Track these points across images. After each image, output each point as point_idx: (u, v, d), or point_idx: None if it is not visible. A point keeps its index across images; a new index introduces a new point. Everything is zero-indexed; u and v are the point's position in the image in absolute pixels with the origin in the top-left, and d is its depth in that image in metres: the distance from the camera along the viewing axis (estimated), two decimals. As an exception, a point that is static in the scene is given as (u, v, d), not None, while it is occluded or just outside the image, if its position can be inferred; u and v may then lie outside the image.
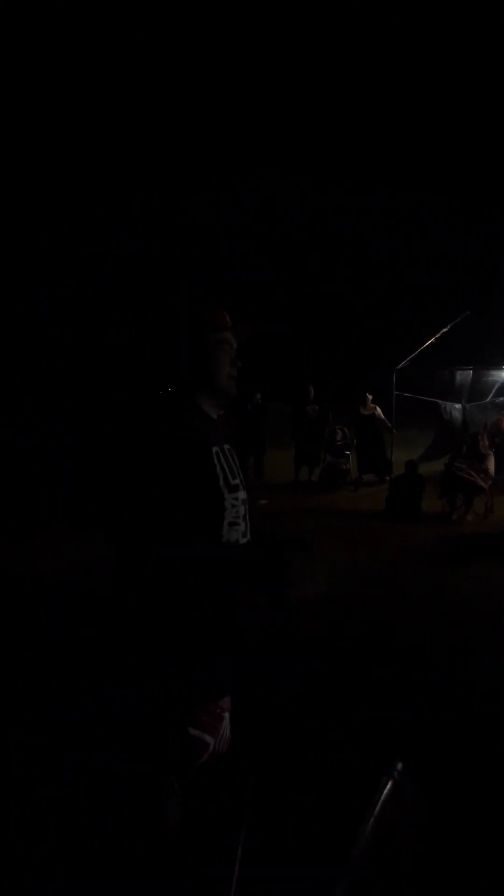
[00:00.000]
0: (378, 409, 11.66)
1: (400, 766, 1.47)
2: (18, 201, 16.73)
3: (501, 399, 14.01)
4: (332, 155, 22.90)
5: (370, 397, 11.62)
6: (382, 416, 11.62)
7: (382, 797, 1.40)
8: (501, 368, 13.60)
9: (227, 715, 1.67)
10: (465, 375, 13.80)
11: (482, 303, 13.24)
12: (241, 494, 1.73)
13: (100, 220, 18.98)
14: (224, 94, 22.90)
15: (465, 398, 13.74)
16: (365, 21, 23.65)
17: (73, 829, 2.31)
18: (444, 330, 12.65)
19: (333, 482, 11.48)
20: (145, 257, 19.47)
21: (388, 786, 1.42)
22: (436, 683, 3.83)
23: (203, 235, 21.95)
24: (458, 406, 13.55)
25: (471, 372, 13.77)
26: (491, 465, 9.71)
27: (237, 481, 1.73)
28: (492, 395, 14.05)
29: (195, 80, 24.09)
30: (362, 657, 4.26)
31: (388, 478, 10.69)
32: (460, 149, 23.07)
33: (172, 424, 1.64)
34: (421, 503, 9.18)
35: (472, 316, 12.96)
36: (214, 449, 1.67)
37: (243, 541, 1.71)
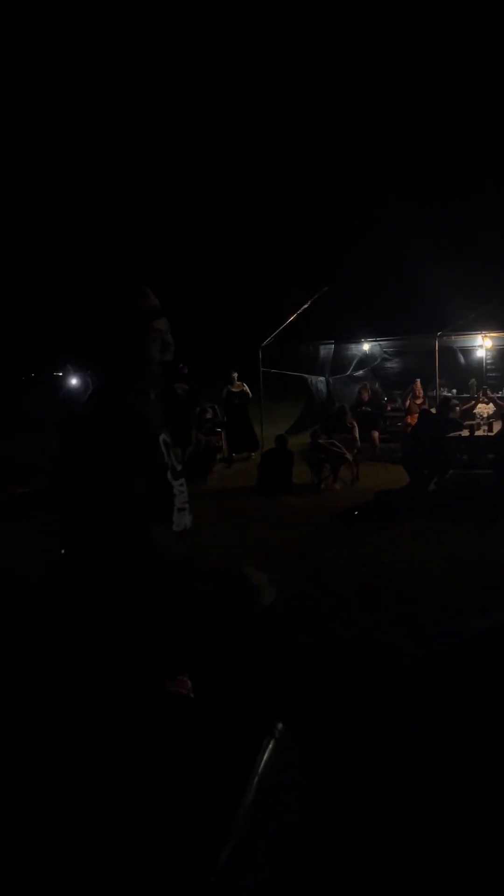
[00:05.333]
0: (245, 386, 11.83)
1: (280, 726, 1.53)
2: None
3: (360, 372, 14.67)
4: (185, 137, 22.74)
5: (236, 375, 11.77)
6: (250, 394, 11.82)
7: (266, 756, 1.47)
8: (360, 342, 14.23)
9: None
10: (327, 349, 14.30)
11: (339, 278, 13.70)
12: (183, 479, 1.74)
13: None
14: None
15: (328, 372, 14.25)
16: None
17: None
18: (305, 306, 13.02)
19: (206, 460, 11.57)
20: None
21: (271, 745, 1.49)
22: (316, 648, 4.03)
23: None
24: (322, 379, 14.02)
25: (333, 346, 14.29)
26: (356, 435, 10.19)
27: (180, 467, 1.73)
28: (351, 368, 14.68)
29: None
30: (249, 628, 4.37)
31: (252, 454, 10.97)
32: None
33: (127, 412, 1.61)
34: (291, 476, 9.49)
35: (329, 291, 13.43)
36: (161, 437, 1.66)
37: (190, 526, 1.73)
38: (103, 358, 1.70)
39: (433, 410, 9.84)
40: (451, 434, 9.02)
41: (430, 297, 11.21)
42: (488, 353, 14.91)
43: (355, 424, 10.47)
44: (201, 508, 8.06)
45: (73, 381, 20.35)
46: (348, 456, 9.59)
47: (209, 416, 11.91)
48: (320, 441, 9.65)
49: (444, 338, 11.91)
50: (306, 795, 1.61)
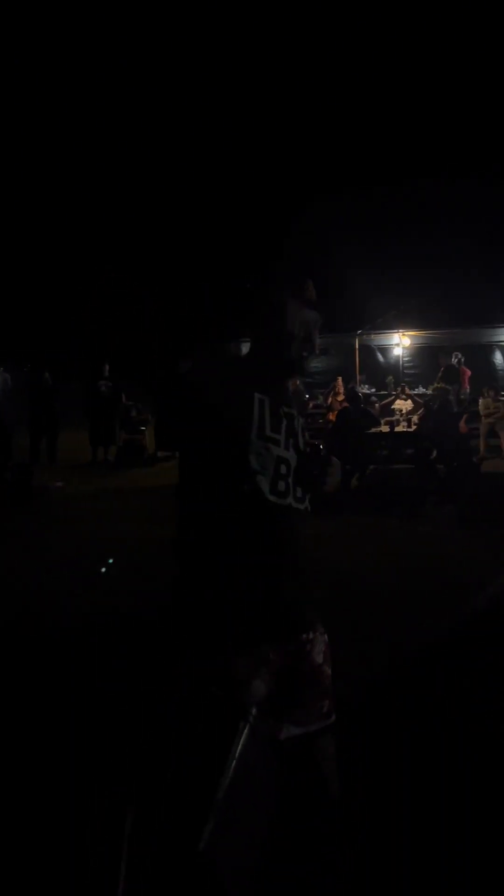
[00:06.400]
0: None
1: (254, 710, 1.59)
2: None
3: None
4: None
5: (163, 373, 11.72)
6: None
7: (242, 741, 1.51)
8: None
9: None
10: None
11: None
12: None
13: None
14: None
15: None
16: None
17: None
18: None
19: (131, 459, 11.46)
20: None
21: (246, 730, 1.54)
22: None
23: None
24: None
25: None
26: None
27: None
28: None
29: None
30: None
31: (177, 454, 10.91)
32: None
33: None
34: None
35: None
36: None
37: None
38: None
39: (346, 405, 10.09)
40: (371, 430, 9.30)
41: (349, 297, 11.50)
42: (406, 351, 15.43)
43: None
44: (125, 507, 8.01)
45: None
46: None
47: (133, 414, 11.81)
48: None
49: (364, 336, 12.25)
50: (281, 778, 1.65)
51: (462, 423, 9.57)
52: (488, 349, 14.38)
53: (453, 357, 12.68)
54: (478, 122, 22.50)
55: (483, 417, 11.22)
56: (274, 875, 1.56)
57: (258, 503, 1.65)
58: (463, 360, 12.91)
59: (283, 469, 1.72)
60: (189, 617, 1.67)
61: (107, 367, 11.89)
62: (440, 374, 12.09)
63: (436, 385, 11.16)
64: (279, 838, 1.62)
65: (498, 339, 14.19)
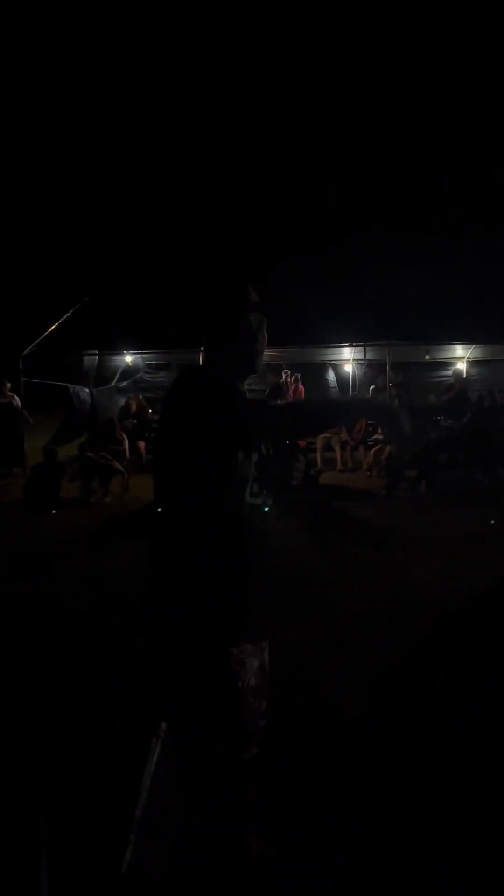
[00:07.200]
0: (16, 397, 11.29)
1: (164, 725, 1.59)
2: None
3: (125, 383, 14.70)
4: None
5: (9, 385, 11.19)
6: (20, 405, 11.29)
7: (155, 755, 1.52)
8: (122, 353, 14.26)
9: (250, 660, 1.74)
10: (91, 360, 14.12)
11: (104, 289, 13.65)
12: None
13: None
14: None
15: (91, 382, 14.06)
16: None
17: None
18: (67, 315, 12.76)
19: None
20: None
21: (158, 745, 1.54)
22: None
23: None
24: (86, 390, 13.79)
25: (97, 357, 14.15)
26: (126, 447, 10.21)
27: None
28: (115, 379, 14.64)
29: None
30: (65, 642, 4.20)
31: (14, 469, 10.54)
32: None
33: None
34: (60, 490, 9.21)
35: (91, 302, 13.31)
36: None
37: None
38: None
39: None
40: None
41: (192, 310, 11.62)
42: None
43: (125, 437, 10.48)
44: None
45: None
46: (119, 468, 9.56)
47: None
48: (89, 454, 9.51)
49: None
50: (184, 784, 1.65)
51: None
52: (322, 367, 15.17)
53: (283, 374, 13.24)
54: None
55: (319, 433, 11.86)
56: (274, 875, 1.56)
57: (239, 506, 1.72)
58: (299, 377, 13.51)
59: (256, 471, 1.80)
60: (174, 615, 1.65)
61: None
62: (267, 392, 12.52)
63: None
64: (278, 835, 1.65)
65: (332, 358, 15.04)
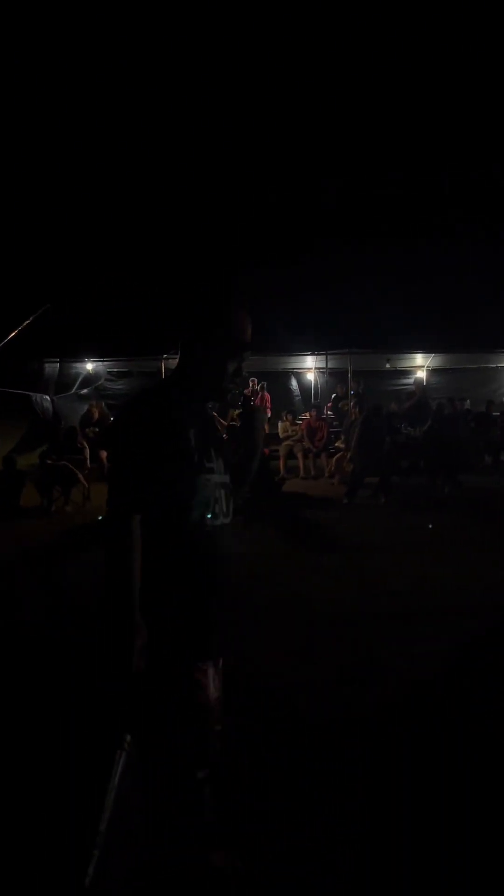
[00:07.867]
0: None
1: (128, 738, 1.56)
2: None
3: (85, 390, 14.53)
4: None
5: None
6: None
7: (119, 768, 1.49)
8: (84, 361, 14.11)
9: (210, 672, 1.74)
10: (52, 368, 13.93)
11: (63, 297, 13.50)
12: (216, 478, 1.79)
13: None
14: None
15: (52, 390, 13.86)
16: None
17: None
18: (27, 322, 12.57)
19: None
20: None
21: (122, 758, 1.51)
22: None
23: None
24: (47, 398, 13.59)
25: (58, 364, 13.97)
26: (87, 455, 10.07)
27: (210, 464, 1.78)
28: (76, 386, 14.47)
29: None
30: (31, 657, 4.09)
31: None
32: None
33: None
34: (20, 499, 9.03)
35: (52, 309, 13.14)
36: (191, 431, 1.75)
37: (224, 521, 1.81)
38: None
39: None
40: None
41: (155, 320, 11.57)
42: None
43: (86, 445, 10.34)
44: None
45: None
46: (80, 477, 9.42)
47: None
48: (49, 462, 9.34)
49: (171, 360, 12.35)
50: (147, 797, 1.62)
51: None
52: (285, 376, 15.26)
53: (250, 382, 13.27)
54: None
55: (282, 440, 11.91)
56: (274, 875, 1.53)
57: (199, 529, 1.70)
58: (265, 385, 13.55)
59: (219, 492, 1.78)
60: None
61: None
62: (240, 403, 12.52)
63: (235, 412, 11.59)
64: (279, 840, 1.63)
65: (295, 367, 15.13)
